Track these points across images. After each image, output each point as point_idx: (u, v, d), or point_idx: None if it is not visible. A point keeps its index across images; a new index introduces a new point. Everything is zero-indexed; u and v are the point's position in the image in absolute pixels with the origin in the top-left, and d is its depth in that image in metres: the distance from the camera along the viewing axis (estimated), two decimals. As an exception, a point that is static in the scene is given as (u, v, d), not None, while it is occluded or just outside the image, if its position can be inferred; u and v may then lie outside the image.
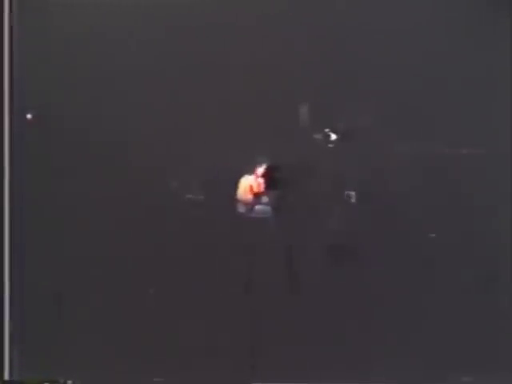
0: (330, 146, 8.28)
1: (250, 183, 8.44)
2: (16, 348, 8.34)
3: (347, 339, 8.15)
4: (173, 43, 8.36)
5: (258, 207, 8.40)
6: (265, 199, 8.41)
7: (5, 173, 8.38)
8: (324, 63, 8.25)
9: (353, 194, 8.22)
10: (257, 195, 8.41)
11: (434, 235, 8.03)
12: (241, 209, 8.40)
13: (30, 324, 8.35)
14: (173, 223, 8.31)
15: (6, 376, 8.31)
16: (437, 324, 8.10)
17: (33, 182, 8.39)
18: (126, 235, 8.32)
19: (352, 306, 8.14)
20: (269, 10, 8.28)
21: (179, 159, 8.36)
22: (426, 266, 8.13)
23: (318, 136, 8.29)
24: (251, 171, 8.42)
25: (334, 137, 8.27)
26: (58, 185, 8.39)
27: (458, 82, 8.19)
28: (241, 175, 8.40)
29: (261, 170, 8.43)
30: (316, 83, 8.24)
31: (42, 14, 8.49)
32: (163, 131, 8.35)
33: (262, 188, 8.44)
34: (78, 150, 8.39)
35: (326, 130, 8.28)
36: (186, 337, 8.24)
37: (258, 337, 8.21)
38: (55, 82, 8.44)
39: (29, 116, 8.41)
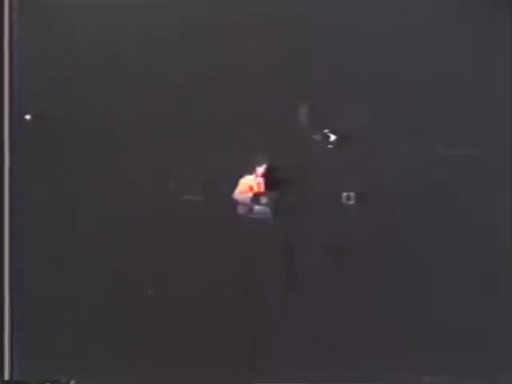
0: (330, 146, 8.29)
1: (249, 183, 8.44)
2: (16, 348, 8.36)
3: (347, 339, 8.15)
4: (173, 45, 8.35)
5: (257, 208, 8.40)
6: (264, 200, 8.41)
7: (5, 173, 8.40)
8: (324, 65, 8.25)
9: (352, 194, 8.22)
10: (256, 195, 8.41)
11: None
12: (240, 209, 8.40)
13: (29, 324, 8.37)
14: (172, 224, 8.32)
15: (6, 376, 8.33)
16: (435, 323, 8.12)
17: (32, 182, 8.40)
18: (125, 236, 8.33)
19: (351, 305, 8.13)
20: (269, 12, 8.28)
21: (179, 159, 8.37)
22: (425, 266, 8.14)
23: (317, 137, 8.30)
24: (251, 172, 8.43)
25: (333, 137, 8.27)
26: (57, 185, 8.39)
27: (458, 83, 8.19)
28: (240, 176, 8.40)
29: (261, 169, 8.43)
30: (316, 85, 8.23)
31: (42, 14, 8.49)
32: (163, 132, 8.35)
33: (261, 188, 8.45)
34: (77, 150, 8.39)
35: (326, 130, 8.28)
36: (186, 337, 8.24)
37: (258, 337, 8.22)
38: (55, 82, 8.44)
39: (28, 117, 8.42)
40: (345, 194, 8.22)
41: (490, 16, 8.15)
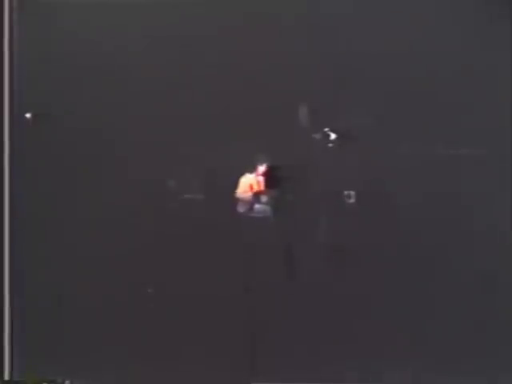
0: (330, 145, 8.29)
1: (250, 182, 8.45)
2: (16, 348, 8.36)
3: (347, 339, 8.14)
4: (173, 44, 8.36)
5: (257, 206, 8.41)
6: (264, 198, 8.42)
7: (5, 172, 8.41)
8: (324, 64, 8.25)
9: (352, 193, 8.22)
10: (257, 194, 8.42)
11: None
12: (240, 208, 8.40)
13: (29, 324, 8.36)
14: (172, 223, 8.32)
15: (6, 376, 8.33)
16: (435, 323, 8.12)
17: (32, 181, 8.40)
18: (125, 235, 8.32)
19: (351, 305, 8.13)
20: (269, 12, 8.29)
21: (179, 159, 8.37)
22: (425, 266, 8.14)
23: (317, 135, 8.30)
24: (252, 170, 8.43)
25: (333, 136, 8.27)
26: (57, 184, 8.39)
27: (458, 83, 8.19)
28: (241, 175, 8.40)
29: (262, 168, 8.44)
30: (316, 84, 8.24)
31: (42, 14, 8.50)
32: (163, 131, 8.36)
33: (261, 186, 8.45)
34: (77, 149, 8.39)
35: (326, 129, 8.28)
36: (185, 337, 8.24)
37: (258, 337, 8.21)
38: (55, 81, 8.44)
39: (28, 115, 8.42)
40: (345, 193, 8.22)
41: (489, 16, 8.16)
